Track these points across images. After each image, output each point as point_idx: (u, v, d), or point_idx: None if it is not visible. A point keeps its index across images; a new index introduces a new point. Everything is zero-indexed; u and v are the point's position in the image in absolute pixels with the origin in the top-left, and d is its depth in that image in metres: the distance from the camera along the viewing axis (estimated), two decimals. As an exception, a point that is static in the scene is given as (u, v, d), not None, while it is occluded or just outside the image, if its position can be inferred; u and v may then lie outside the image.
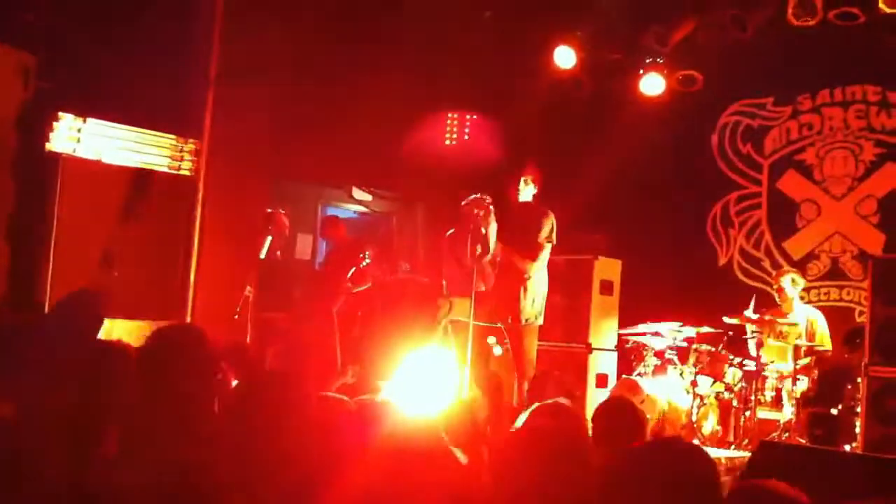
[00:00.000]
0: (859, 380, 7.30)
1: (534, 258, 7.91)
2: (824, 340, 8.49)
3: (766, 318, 8.44)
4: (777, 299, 8.71)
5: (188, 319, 8.60)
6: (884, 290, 7.04)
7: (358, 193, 11.42)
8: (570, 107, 10.69)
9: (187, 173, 8.77)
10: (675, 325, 8.84)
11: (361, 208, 11.75)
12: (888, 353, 6.93)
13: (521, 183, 7.99)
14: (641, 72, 9.83)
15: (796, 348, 8.20)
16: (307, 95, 9.49)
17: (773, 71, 10.04)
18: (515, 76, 10.56)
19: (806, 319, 8.57)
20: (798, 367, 8.07)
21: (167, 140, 8.71)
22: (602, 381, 8.92)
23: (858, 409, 7.31)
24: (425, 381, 6.86)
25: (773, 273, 9.41)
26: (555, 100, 10.47)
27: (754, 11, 8.90)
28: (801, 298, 8.92)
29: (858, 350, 7.54)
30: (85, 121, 8.17)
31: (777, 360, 8.36)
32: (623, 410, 4.21)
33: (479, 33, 10.40)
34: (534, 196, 8.09)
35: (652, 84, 9.83)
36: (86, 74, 8.07)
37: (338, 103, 9.57)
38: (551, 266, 9.01)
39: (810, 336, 8.43)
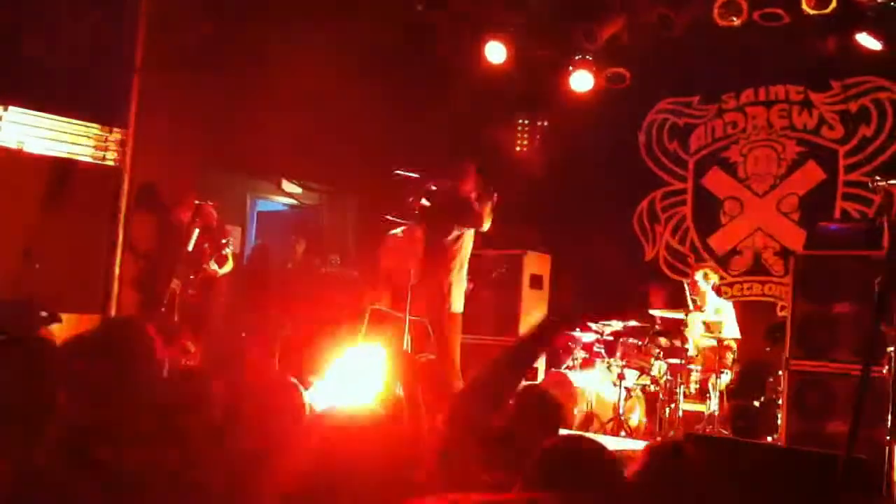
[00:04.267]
0: (780, 373, 7.47)
1: (480, 224, 7.86)
2: (731, 330, 8.67)
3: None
4: (690, 294, 8.85)
5: (112, 313, 8.43)
6: (805, 285, 7.19)
7: (288, 186, 11.31)
8: (499, 101, 10.73)
9: (112, 163, 8.58)
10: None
11: (291, 201, 11.65)
12: (808, 347, 7.08)
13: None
14: (570, 68, 9.90)
15: (720, 343, 8.37)
16: (236, 85, 9.35)
17: (699, 70, 10.20)
18: (445, 69, 10.56)
19: (714, 310, 8.73)
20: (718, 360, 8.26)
21: (91, 129, 8.50)
22: (532, 374, 8.97)
23: (780, 402, 7.48)
24: (357, 375, 6.83)
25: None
26: (484, 94, 10.50)
27: (682, 11, 9.02)
28: (725, 293, 9.08)
29: (780, 344, 7.71)
30: (6, 108, 7.94)
31: (701, 355, 8.54)
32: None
33: (412, 27, 10.36)
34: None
35: (581, 80, 9.91)
36: (7, 61, 7.84)
37: (267, 93, 9.45)
38: (481, 261, 9.03)
39: (716, 326, 8.57)
